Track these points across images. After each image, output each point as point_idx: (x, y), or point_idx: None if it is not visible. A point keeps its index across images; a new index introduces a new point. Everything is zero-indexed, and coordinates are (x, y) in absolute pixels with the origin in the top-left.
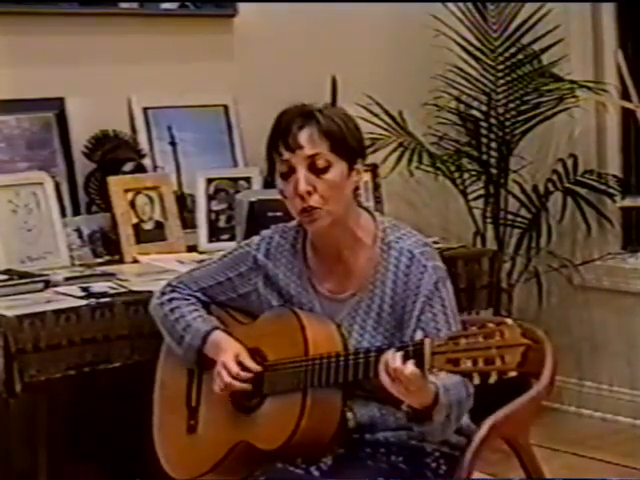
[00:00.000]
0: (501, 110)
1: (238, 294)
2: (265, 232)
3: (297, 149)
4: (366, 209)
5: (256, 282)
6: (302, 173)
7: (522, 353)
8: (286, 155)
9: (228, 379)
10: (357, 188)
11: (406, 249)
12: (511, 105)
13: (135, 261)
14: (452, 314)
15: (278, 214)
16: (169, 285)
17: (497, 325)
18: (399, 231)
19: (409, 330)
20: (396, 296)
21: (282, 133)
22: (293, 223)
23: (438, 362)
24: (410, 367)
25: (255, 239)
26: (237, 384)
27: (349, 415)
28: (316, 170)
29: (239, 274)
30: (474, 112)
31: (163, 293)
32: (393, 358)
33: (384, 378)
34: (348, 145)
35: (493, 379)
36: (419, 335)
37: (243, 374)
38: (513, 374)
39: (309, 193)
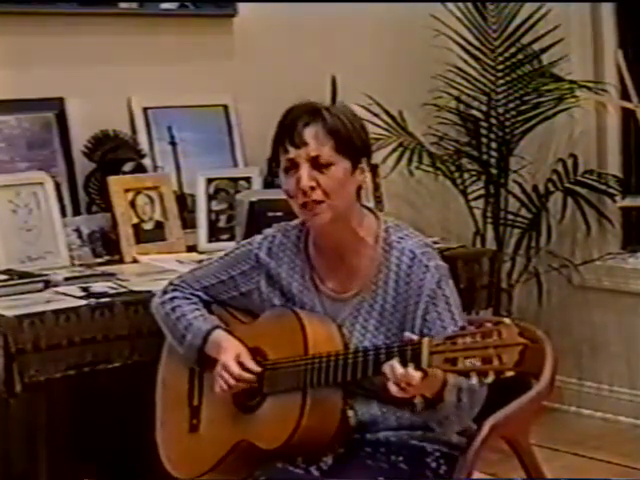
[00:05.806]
0: (501, 110)
1: (240, 292)
2: (267, 231)
3: (302, 145)
4: (370, 209)
5: (258, 280)
6: (305, 169)
7: (520, 352)
8: (291, 150)
9: (230, 380)
10: (360, 187)
11: (408, 249)
12: (511, 105)
13: (135, 261)
14: (457, 311)
15: (278, 214)
16: (171, 284)
17: (495, 325)
18: (401, 231)
19: (415, 330)
20: (398, 296)
21: (288, 129)
22: (295, 222)
23: (436, 361)
24: (412, 373)
25: (257, 238)
26: (239, 385)
27: (350, 413)
28: (319, 166)
29: (242, 272)
30: (474, 112)
31: (165, 292)
32: (394, 366)
33: (392, 387)
34: (353, 144)
35: (491, 379)
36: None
37: (245, 375)
38: (511, 374)
39: (312, 188)
